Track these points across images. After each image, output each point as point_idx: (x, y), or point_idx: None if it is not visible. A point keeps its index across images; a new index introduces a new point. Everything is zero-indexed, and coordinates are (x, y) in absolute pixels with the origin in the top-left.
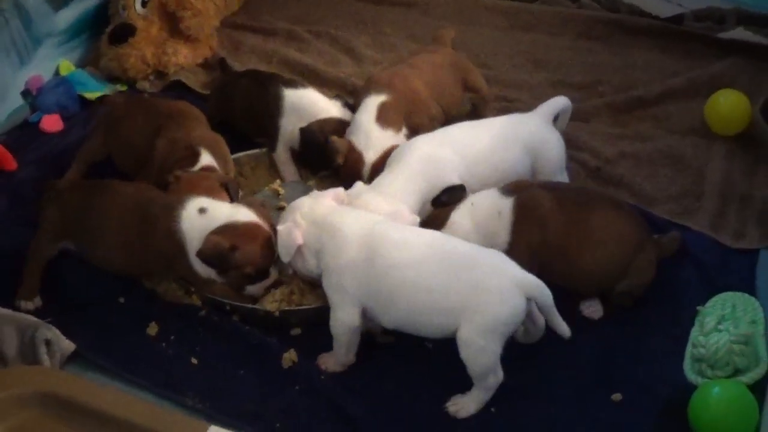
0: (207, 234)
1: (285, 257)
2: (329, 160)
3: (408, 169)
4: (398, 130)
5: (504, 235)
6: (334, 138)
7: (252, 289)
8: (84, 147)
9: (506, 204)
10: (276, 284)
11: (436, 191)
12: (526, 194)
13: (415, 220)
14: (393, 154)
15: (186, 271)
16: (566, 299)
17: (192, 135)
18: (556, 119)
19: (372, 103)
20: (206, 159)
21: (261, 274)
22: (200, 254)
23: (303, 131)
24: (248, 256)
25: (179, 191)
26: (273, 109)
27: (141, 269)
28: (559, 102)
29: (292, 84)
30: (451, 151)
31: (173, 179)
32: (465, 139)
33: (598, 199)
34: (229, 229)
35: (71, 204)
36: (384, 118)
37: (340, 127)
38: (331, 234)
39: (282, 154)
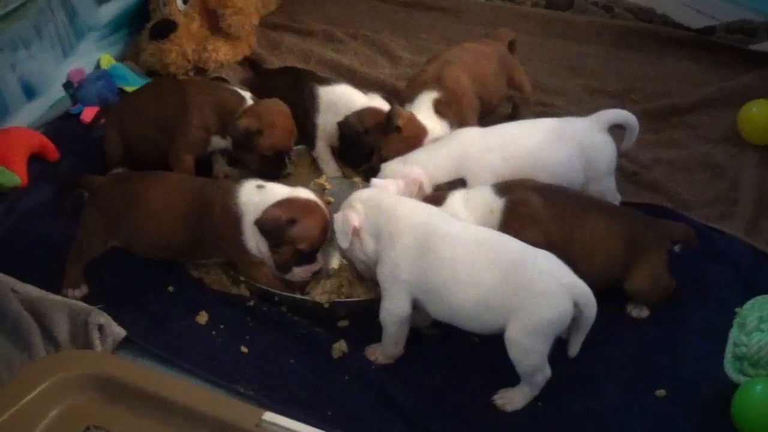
0: (267, 206)
1: (343, 242)
2: (368, 149)
3: (446, 147)
4: (451, 122)
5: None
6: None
7: (297, 271)
8: (106, 150)
9: (498, 204)
10: (323, 276)
11: (457, 176)
12: (517, 196)
13: (412, 190)
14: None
15: (237, 250)
16: (612, 299)
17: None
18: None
19: (427, 98)
20: (247, 94)
21: (311, 254)
22: (258, 222)
23: (340, 124)
24: (304, 231)
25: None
26: (309, 107)
27: (192, 254)
28: (620, 114)
29: (326, 81)
30: (495, 146)
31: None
32: (511, 136)
33: (588, 203)
34: (288, 203)
35: (111, 202)
36: (439, 110)
37: (380, 116)
38: (388, 219)
39: (322, 151)
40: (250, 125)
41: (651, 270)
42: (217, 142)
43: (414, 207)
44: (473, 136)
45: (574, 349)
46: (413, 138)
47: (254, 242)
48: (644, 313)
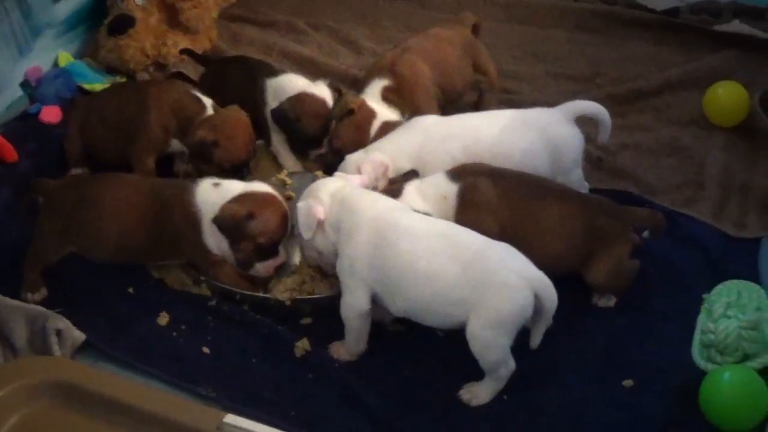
0: (223, 203)
1: (306, 233)
2: (309, 136)
3: (407, 134)
4: (402, 110)
5: (451, 219)
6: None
7: (259, 267)
8: (66, 150)
9: (452, 189)
10: (286, 273)
11: (423, 165)
12: (469, 182)
13: (379, 174)
14: (401, 125)
15: (198, 250)
16: (578, 289)
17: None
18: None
19: (377, 85)
20: (208, 102)
21: (272, 248)
22: (217, 220)
23: (272, 112)
24: (263, 224)
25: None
26: (259, 101)
27: (152, 257)
28: (588, 106)
29: (274, 73)
30: (456, 133)
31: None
32: (473, 123)
33: (540, 187)
34: (245, 198)
35: (66, 206)
36: (388, 98)
37: (315, 102)
38: (348, 213)
39: (278, 145)
40: (206, 136)
41: (611, 260)
42: (176, 144)
43: (374, 200)
44: (433, 122)
45: (535, 340)
46: (363, 121)
47: (214, 241)
48: (611, 302)
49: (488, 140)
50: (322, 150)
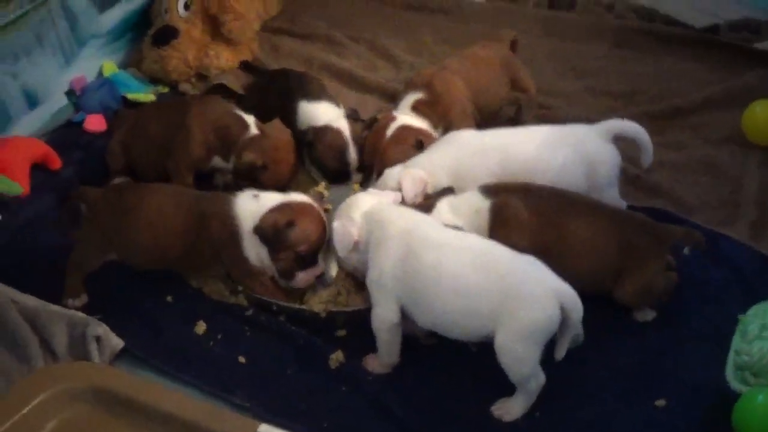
0: (263, 213)
1: (342, 251)
2: (328, 165)
3: (443, 149)
4: (434, 124)
5: (484, 234)
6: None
7: (301, 276)
8: (108, 161)
9: (484, 205)
10: (324, 285)
11: (460, 180)
12: (501, 199)
13: (419, 189)
14: (436, 142)
15: (236, 260)
16: (611, 305)
17: (226, 109)
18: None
19: (409, 99)
20: (251, 119)
21: (312, 257)
22: (258, 229)
23: (299, 134)
24: (303, 232)
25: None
26: (293, 121)
27: (190, 266)
28: (627, 127)
29: (308, 96)
30: (492, 148)
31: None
32: (509, 139)
33: (574, 203)
34: (285, 207)
35: (107, 215)
36: (419, 110)
37: (336, 137)
38: (377, 228)
39: (310, 164)
40: (255, 160)
41: (641, 277)
42: (218, 162)
43: (402, 214)
44: (470, 137)
45: (561, 351)
46: (382, 126)
47: (254, 252)
48: (648, 316)
49: (524, 156)
50: (355, 181)
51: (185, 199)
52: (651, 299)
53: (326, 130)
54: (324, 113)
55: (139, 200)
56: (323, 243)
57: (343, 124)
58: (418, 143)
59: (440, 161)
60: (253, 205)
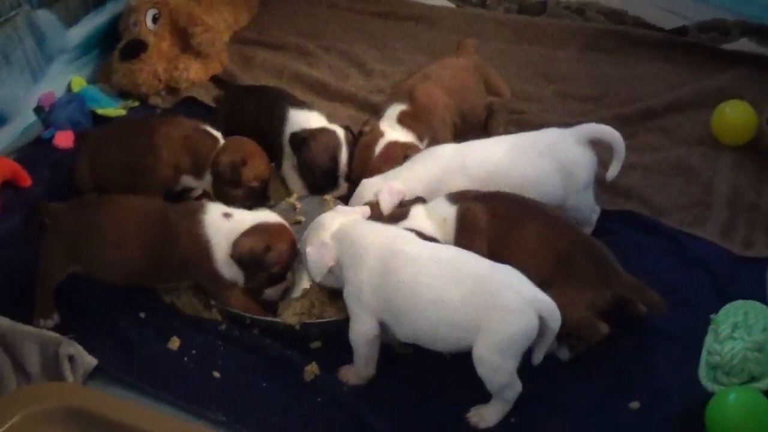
0: (238, 237)
1: (317, 277)
2: (319, 165)
3: (424, 163)
4: (419, 136)
5: (450, 241)
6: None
7: (270, 292)
8: (75, 182)
9: (451, 212)
10: (293, 294)
11: (437, 193)
12: (465, 206)
13: (395, 201)
14: (415, 156)
15: (208, 275)
16: None
17: (193, 126)
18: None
19: (394, 110)
20: (219, 135)
21: (283, 275)
22: (236, 257)
23: (292, 134)
24: (279, 255)
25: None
26: (278, 127)
27: (158, 279)
28: (602, 131)
29: (299, 105)
30: (473, 163)
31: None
32: (489, 152)
33: (527, 210)
34: (260, 230)
35: (71, 228)
36: (404, 123)
37: (333, 139)
38: (350, 246)
39: (288, 171)
40: (235, 158)
41: (568, 299)
42: (188, 181)
43: (375, 230)
44: (450, 152)
45: (538, 357)
46: (370, 141)
47: (228, 270)
48: (563, 354)
49: (503, 169)
50: (339, 191)
51: (151, 210)
52: (570, 329)
53: (322, 131)
54: (317, 119)
55: (104, 213)
56: (293, 262)
57: (338, 129)
58: (406, 159)
59: (421, 176)
60: (225, 226)
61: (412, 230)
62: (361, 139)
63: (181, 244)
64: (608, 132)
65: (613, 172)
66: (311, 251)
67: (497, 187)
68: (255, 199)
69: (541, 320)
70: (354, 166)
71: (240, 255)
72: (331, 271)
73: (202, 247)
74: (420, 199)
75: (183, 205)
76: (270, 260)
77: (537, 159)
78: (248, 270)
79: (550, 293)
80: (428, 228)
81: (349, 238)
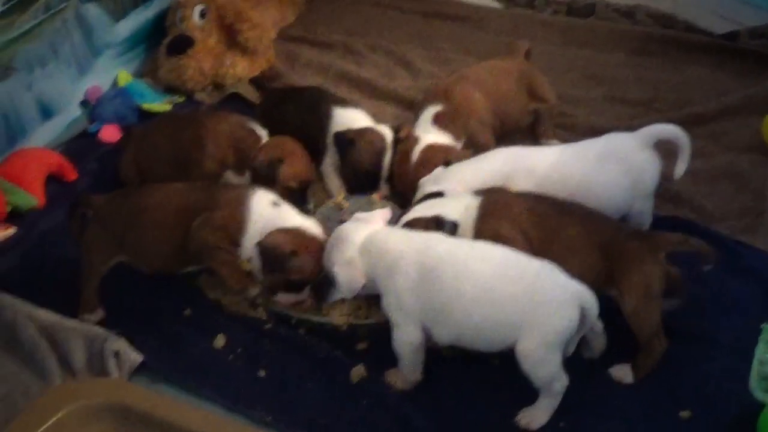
0: (275, 229)
1: (349, 296)
2: (362, 166)
3: (489, 164)
4: (456, 136)
5: (468, 232)
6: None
7: (281, 297)
8: (121, 176)
9: (474, 202)
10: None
11: None
12: (496, 196)
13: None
14: (481, 154)
15: (227, 236)
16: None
17: (239, 122)
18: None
19: (429, 112)
20: (263, 132)
21: (300, 286)
22: (261, 245)
23: (336, 134)
24: (301, 265)
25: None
26: (323, 126)
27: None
28: (668, 130)
29: (342, 103)
30: (541, 167)
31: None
32: (556, 157)
33: (565, 208)
34: (294, 234)
35: (115, 214)
36: (440, 123)
37: (378, 139)
38: (382, 257)
39: (328, 168)
40: (273, 155)
41: (635, 282)
42: (231, 177)
43: (405, 236)
44: (518, 153)
45: (571, 348)
46: (407, 149)
47: (250, 253)
48: (628, 377)
49: (571, 174)
50: (380, 192)
51: (197, 188)
52: (653, 302)
53: (368, 131)
54: (363, 119)
55: (145, 198)
56: (314, 280)
57: (385, 130)
58: (447, 164)
59: (485, 174)
60: (268, 212)
61: (436, 216)
62: (397, 147)
63: (216, 213)
64: (673, 131)
65: (680, 171)
66: (340, 271)
67: (561, 192)
68: (293, 201)
69: (582, 311)
70: (395, 175)
71: (265, 246)
72: (364, 287)
73: (238, 218)
74: (439, 194)
75: (233, 185)
76: (291, 265)
77: (606, 165)
78: (266, 265)
79: (621, 287)
80: (451, 212)
81: (380, 249)
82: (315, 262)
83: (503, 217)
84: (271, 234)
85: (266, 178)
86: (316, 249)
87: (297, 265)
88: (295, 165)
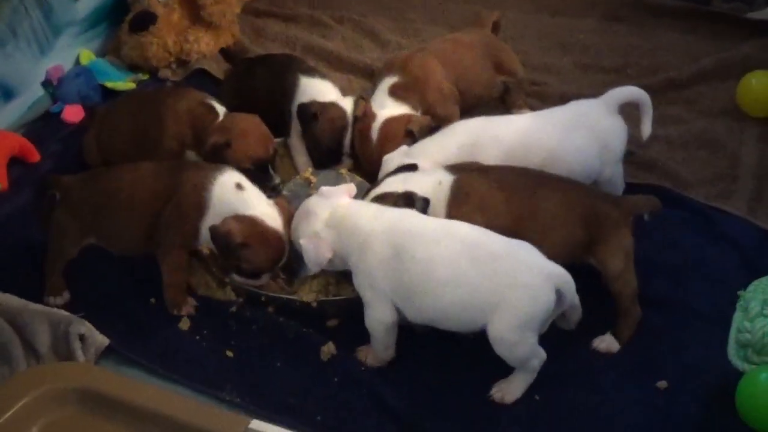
0: (231, 215)
1: (315, 269)
2: (323, 141)
3: (454, 137)
4: (413, 107)
5: (441, 211)
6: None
7: (237, 278)
8: (85, 157)
9: (447, 179)
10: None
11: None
12: (464, 176)
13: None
14: (444, 128)
15: (180, 228)
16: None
17: (197, 99)
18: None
19: (386, 83)
20: (222, 110)
21: (254, 275)
22: (213, 229)
23: (300, 105)
24: (253, 258)
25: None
26: (288, 95)
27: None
28: (631, 92)
29: (311, 72)
30: (507, 137)
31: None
32: (518, 124)
33: (537, 179)
34: (250, 224)
35: (86, 197)
36: (397, 94)
37: (340, 114)
38: (351, 233)
39: (295, 142)
40: (217, 140)
41: (619, 245)
42: (191, 156)
43: (374, 213)
44: (482, 124)
45: (545, 326)
46: (365, 127)
47: (206, 235)
48: (614, 346)
49: (538, 141)
50: (343, 165)
51: (161, 173)
52: (632, 264)
53: (331, 107)
54: (329, 91)
55: (115, 179)
56: (270, 271)
57: (347, 106)
58: (409, 133)
59: (450, 148)
60: (230, 195)
61: (407, 192)
62: (356, 125)
63: (180, 192)
64: (634, 91)
65: (646, 130)
66: (306, 245)
67: (531, 161)
68: (257, 179)
69: (557, 293)
70: (359, 155)
71: (217, 233)
72: (330, 260)
73: (199, 201)
74: (413, 166)
75: (201, 164)
76: (241, 256)
77: (573, 132)
78: (219, 250)
79: (606, 252)
80: (423, 187)
81: (348, 224)
82: (268, 255)
83: (474, 205)
84: (225, 221)
85: (217, 161)
86: (270, 243)
87: (247, 257)
88: (246, 146)
